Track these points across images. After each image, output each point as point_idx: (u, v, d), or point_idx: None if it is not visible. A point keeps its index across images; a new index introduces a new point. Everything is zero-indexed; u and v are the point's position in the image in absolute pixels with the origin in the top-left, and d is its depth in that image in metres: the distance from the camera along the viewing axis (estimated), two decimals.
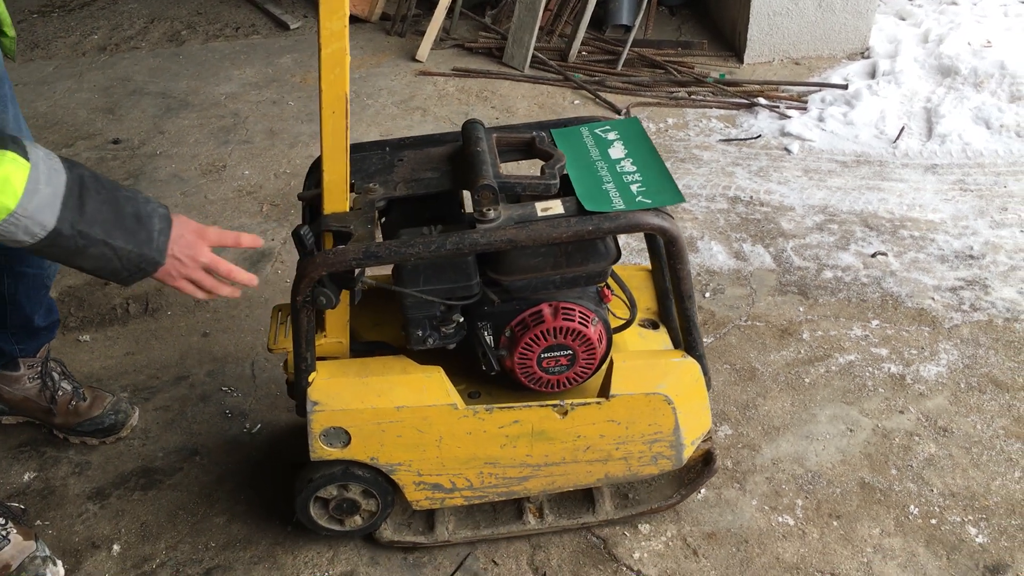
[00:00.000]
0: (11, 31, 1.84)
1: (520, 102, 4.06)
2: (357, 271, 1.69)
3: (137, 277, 1.52)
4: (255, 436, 2.38)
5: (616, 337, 1.93)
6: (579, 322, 1.80)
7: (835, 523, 2.10)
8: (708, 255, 2.99)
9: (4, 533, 1.97)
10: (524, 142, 1.92)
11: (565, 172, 1.79)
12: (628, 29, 4.41)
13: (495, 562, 2.04)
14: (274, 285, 2.93)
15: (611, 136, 1.92)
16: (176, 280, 1.56)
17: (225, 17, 5.08)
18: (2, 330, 2.14)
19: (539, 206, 1.71)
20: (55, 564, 2.00)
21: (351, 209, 1.73)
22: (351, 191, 1.79)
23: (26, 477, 2.29)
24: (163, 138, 3.88)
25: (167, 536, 2.13)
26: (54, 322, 2.24)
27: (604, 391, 1.86)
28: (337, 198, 1.71)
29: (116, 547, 2.11)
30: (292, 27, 4.89)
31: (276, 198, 3.40)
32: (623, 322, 1.95)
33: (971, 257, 2.96)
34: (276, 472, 2.27)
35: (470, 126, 1.89)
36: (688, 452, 1.96)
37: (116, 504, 2.21)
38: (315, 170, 1.95)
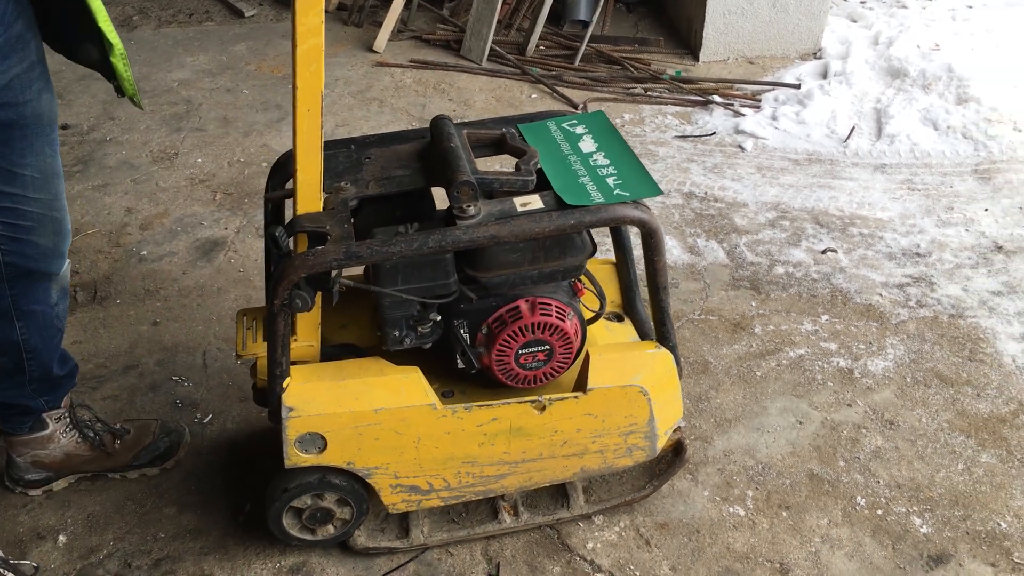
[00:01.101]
0: (116, 40, 1.68)
1: (478, 95, 4.06)
2: (335, 272, 1.67)
3: None
4: (206, 426, 2.35)
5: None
6: (556, 317, 1.80)
7: (784, 513, 2.13)
8: None
9: None
10: (494, 138, 1.91)
11: (539, 167, 1.79)
12: (586, 25, 4.43)
13: (450, 552, 2.04)
14: (226, 274, 2.89)
15: (579, 130, 1.92)
16: None
17: (178, 3, 4.99)
18: (23, 387, 2.01)
19: (518, 201, 1.71)
20: None
21: (324, 209, 1.71)
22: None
23: None
24: (113, 124, 3.80)
25: (115, 527, 2.09)
26: (72, 368, 2.12)
27: (581, 385, 1.87)
28: (311, 198, 1.67)
29: (62, 538, 2.07)
30: (247, 15, 4.82)
31: (229, 187, 3.36)
32: (593, 315, 1.96)
33: (918, 255, 3.02)
34: (228, 463, 2.25)
35: (440, 122, 1.87)
36: (662, 442, 1.98)
37: (62, 494, 2.16)
38: (280, 169, 1.92)
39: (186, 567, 2.00)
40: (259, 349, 1.86)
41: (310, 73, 1.53)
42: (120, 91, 1.79)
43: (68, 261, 1.96)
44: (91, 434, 2.13)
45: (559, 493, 2.11)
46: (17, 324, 1.91)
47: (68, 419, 2.12)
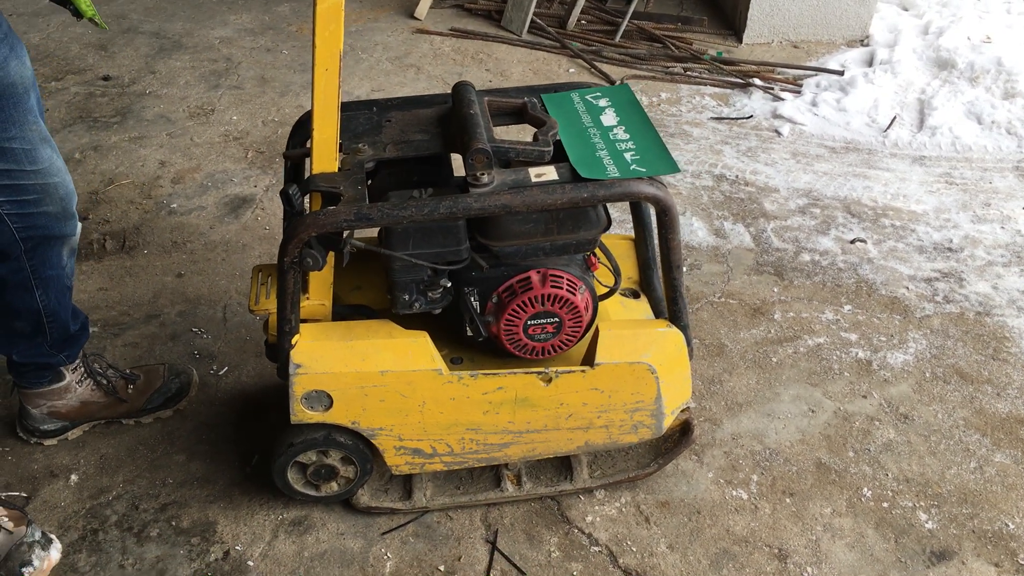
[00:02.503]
0: None
1: (515, 67, 4.04)
2: (346, 233, 1.68)
3: None
4: (221, 378, 2.39)
5: (599, 305, 1.93)
6: (567, 290, 1.80)
7: (788, 500, 2.12)
8: (688, 231, 2.99)
9: None
10: (515, 107, 1.90)
11: (557, 138, 1.78)
12: (629, 1, 4.38)
13: (449, 516, 2.05)
14: (252, 231, 2.92)
15: (602, 103, 1.91)
16: None
17: None
18: (43, 347, 2.05)
19: (532, 172, 1.70)
20: (44, 549, 1.86)
21: (340, 170, 1.72)
22: (340, 151, 1.78)
23: None
24: (154, 78, 3.85)
25: (126, 470, 2.14)
26: (84, 321, 2.14)
27: (589, 359, 1.86)
28: (326, 158, 1.69)
29: (74, 477, 2.12)
30: None
31: (262, 145, 3.38)
32: (607, 290, 1.96)
33: (949, 250, 2.97)
34: (239, 415, 2.28)
35: (461, 88, 1.86)
36: (668, 421, 1.97)
37: (76, 432, 2.21)
38: (301, 128, 1.93)
39: (191, 513, 2.04)
40: (272, 305, 1.88)
41: (329, 33, 1.53)
42: (77, 14, 1.73)
43: (79, 222, 1.98)
44: (104, 381, 2.17)
45: (563, 465, 2.12)
46: (36, 292, 1.94)
47: (83, 368, 2.16)
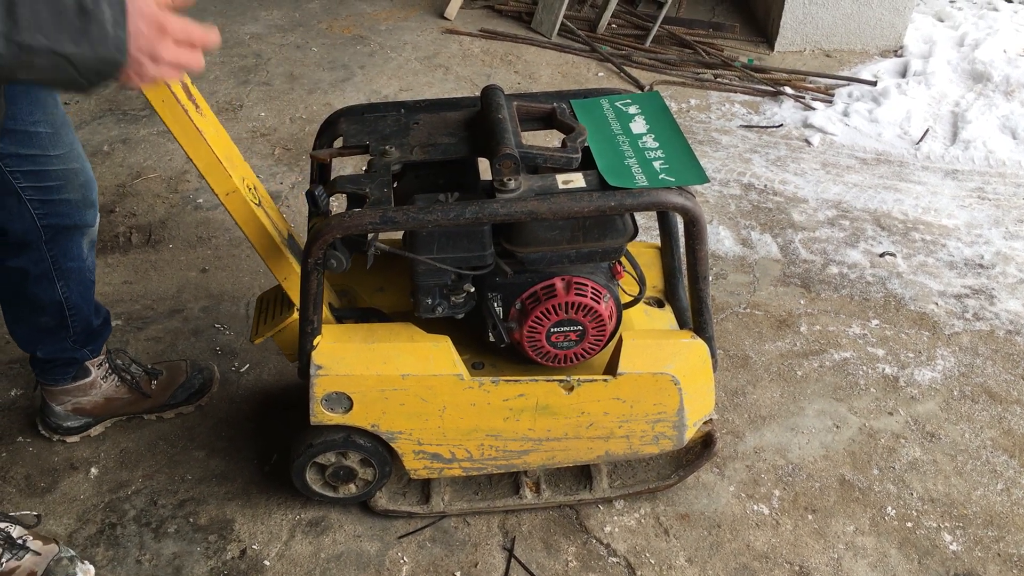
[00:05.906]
0: None
1: (544, 69, 4.02)
2: (371, 235, 1.67)
3: (99, 83, 1.22)
4: (242, 375, 2.39)
5: (623, 314, 1.91)
6: (591, 298, 1.78)
7: (810, 516, 2.09)
8: (715, 240, 2.96)
9: (22, 542, 1.85)
10: (545, 112, 1.89)
11: (586, 145, 1.77)
12: (661, 5, 4.35)
13: (467, 521, 2.04)
14: None
15: (632, 110, 1.89)
16: (142, 82, 1.25)
17: None
18: (66, 341, 2.04)
19: (560, 178, 1.68)
20: (83, 563, 1.89)
21: (366, 171, 1.71)
22: (366, 152, 1.77)
23: (12, 393, 2.31)
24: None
25: (145, 464, 2.14)
26: (106, 316, 2.14)
27: (611, 369, 1.84)
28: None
29: (94, 470, 2.12)
30: None
31: (289, 142, 3.39)
32: (631, 299, 1.94)
33: (981, 266, 2.92)
34: (259, 413, 2.28)
35: (490, 92, 1.85)
36: (690, 433, 1.95)
37: (98, 428, 2.22)
38: (328, 127, 1.93)
39: (208, 510, 2.04)
40: (270, 329, 1.90)
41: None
42: None
43: (99, 213, 1.97)
44: (128, 377, 2.18)
45: (583, 474, 2.10)
46: (58, 284, 1.93)
47: (107, 364, 2.17)
